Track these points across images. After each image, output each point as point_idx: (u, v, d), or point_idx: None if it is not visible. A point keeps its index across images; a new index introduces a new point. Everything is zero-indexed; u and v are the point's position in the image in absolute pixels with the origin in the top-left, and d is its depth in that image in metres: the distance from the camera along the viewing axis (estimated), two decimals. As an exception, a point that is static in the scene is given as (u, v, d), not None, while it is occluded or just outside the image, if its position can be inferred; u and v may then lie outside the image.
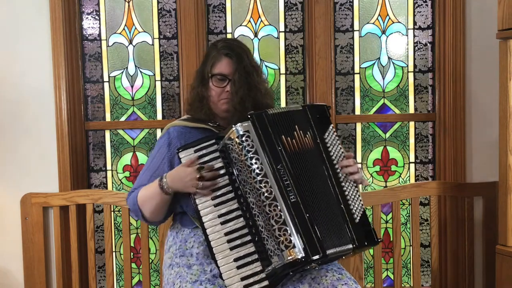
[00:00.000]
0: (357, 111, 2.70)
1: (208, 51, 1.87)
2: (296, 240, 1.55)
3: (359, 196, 1.75)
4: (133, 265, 2.70)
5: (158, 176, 1.77)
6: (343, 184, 1.72)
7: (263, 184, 1.59)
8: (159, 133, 2.73)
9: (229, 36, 2.68)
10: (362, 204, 1.74)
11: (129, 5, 2.70)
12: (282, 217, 1.57)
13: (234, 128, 1.64)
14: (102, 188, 2.74)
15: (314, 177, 1.68)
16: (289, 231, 1.55)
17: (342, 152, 1.78)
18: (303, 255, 1.54)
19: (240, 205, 1.65)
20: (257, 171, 1.60)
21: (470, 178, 2.60)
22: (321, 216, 1.63)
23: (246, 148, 1.62)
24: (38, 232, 2.58)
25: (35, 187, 2.60)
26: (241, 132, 1.63)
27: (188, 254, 1.77)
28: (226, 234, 1.64)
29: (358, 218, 1.69)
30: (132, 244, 2.68)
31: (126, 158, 2.76)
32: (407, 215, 2.71)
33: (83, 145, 2.71)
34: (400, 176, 2.73)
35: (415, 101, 2.71)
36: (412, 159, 2.72)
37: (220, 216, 1.65)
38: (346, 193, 1.71)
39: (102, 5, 2.70)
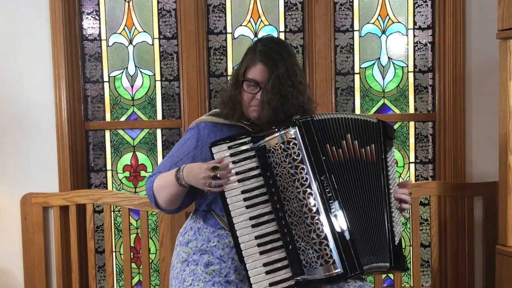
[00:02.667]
0: (357, 111, 2.70)
1: (247, 51, 1.77)
2: (336, 256, 1.54)
3: (400, 222, 1.75)
4: (133, 265, 2.70)
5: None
6: (392, 205, 1.70)
7: (307, 195, 1.56)
8: (159, 133, 2.73)
9: (229, 36, 2.68)
10: (401, 232, 1.74)
11: (129, 5, 2.70)
12: (324, 231, 1.55)
13: (278, 134, 1.60)
14: (102, 188, 2.74)
15: (363, 188, 1.66)
16: (329, 247, 1.54)
17: (396, 179, 1.78)
18: (341, 271, 1.53)
19: (274, 210, 1.60)
20: (301, 181, 1.57)
21: (470, 178, 2.60)
22: (362, 230, 1.61)
23: (292, 156, 1.58)
24: (38, 232, 2.58)
25: (35, 187, 2.60)
26: (286, 139, 1.59)
27: (209, 252, 1.73)
28: (257, 237, 1.59)
29: (397, 242, 1.68)
30: (132, 244, 2.68)
31: (126, 158, 2.76)
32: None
33: (83, 145, 2.71)
34: (400, 176, 2.72)
35: (415, 101, 2.71)
36: (412, 159, 2.72)
37: (251, 218, 1.61)
38: (393, 214, 1.70)
39: (102, 5, 2.70)
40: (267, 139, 1.61)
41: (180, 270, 1.76)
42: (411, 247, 2.60)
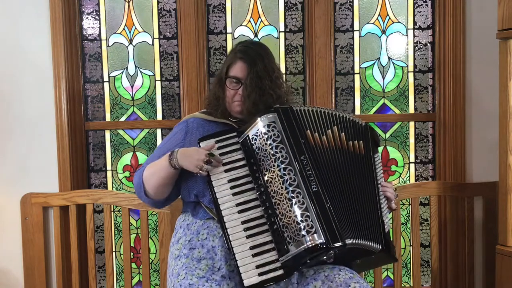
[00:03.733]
0: (357, 111, 2.70)
1: (229, 52, 1.92)
2: (317, 226, 1.59)
3: (388, 214, 1.85)
4: (133, 265, 2.70)
5: None
6: (381, 197, 1.80)
7: (287, 172, 1.65)
8: (159, 133, 2.73)
9: (229, 36, 2.68)
10: (390, 223, 1.83)
11: (129, 5, 2.70)
12: (305, 203, 1.61)
13: (259, 119, 1.70)
14: (102, 188, 2.74)
15: (350, 175, 1.74)
16: (310, 217, 1.59)
17: (382, 177, 1.88)
18: (323, 241, 1.57)
19: (259, 195, 1.68)
20: (281, 159, 1.66)
21: (470, 178, 2.60)
22: (346, 209, 1.68)
23: (272, 138, 1.68)
24: (38, 232, 2.58)
25: (35, 187, 2.60)
26: (267, 122, 1.70)
27: (199, 246, 1.76)
28: (243, 222, 1.66)
29: (386, 230, 1.78)
30: (132, 244, 2.68)
31: (126, 158, 2.76)
32: (407, 215, 2.71)
33: (83, 145, 2.71)
34: (400, 176, 2.73)
35: (415, 101, 2.71)
36: (412, 159, 2.72)
37: (238, 205, 1.68)
38: (382, 206, 1.80)
39: (102, 5, 2.70)
40: (250, 128, 1.72)
41: (175, 266, 1.78)
42: (411, 247, 2.60)
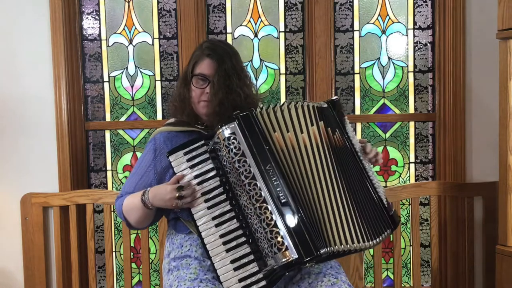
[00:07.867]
0: (357, 111, 2.70)
1: (194, 51, 1.84)
2: (288, 242, 1.53)
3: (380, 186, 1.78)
4: (133, 265, 2.70)
5: (143, 182, 1.78)
6: (376, 187, 1.75)
7: (252, 187, 1.58)
8: (159, 133, 2.73)
9: (229, 36, 2.68)
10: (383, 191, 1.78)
11: (129, 5, 2.70)
12: (273, 219, 1.55)
13: (220, 130, 1.63)
14: (102, 188, 2.74)
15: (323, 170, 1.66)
16: (281, 233, 1.54)
17: (359, 143, 1.82)
18: (297, 256, 1.53)
19: (232, 206, 1.63)
20: (245, 173, 1.58)
21: (470, 178, 2.60)
22: (318, 215, 1.61)
23: (233, 151, 1.60)
24: (38, 232, 2.58)
25: (35, 187, 2.60)
26: (227, 135, 1.61)
27: (187, 256, 1.77)
28: (221, 236, 1.62)
29: (386, 205, 1.75)
30: (132, 244, 2.68)
31: (126, 158, 2.76)
32: (407, 215, 2.71)
33: (83, 145, 2.71)
34: (400, 176, 2.73)
35: (415, 101, 2.71)
36: (412, 159, 2.72)
37: (214, 218, 1.64)
38: (376, 187, 1.74)
39: (102, 5, 2.70)
40: (214, 137, 1.65)
41: (167, 280, 1.79)
42: (411, 247, 2.60)
